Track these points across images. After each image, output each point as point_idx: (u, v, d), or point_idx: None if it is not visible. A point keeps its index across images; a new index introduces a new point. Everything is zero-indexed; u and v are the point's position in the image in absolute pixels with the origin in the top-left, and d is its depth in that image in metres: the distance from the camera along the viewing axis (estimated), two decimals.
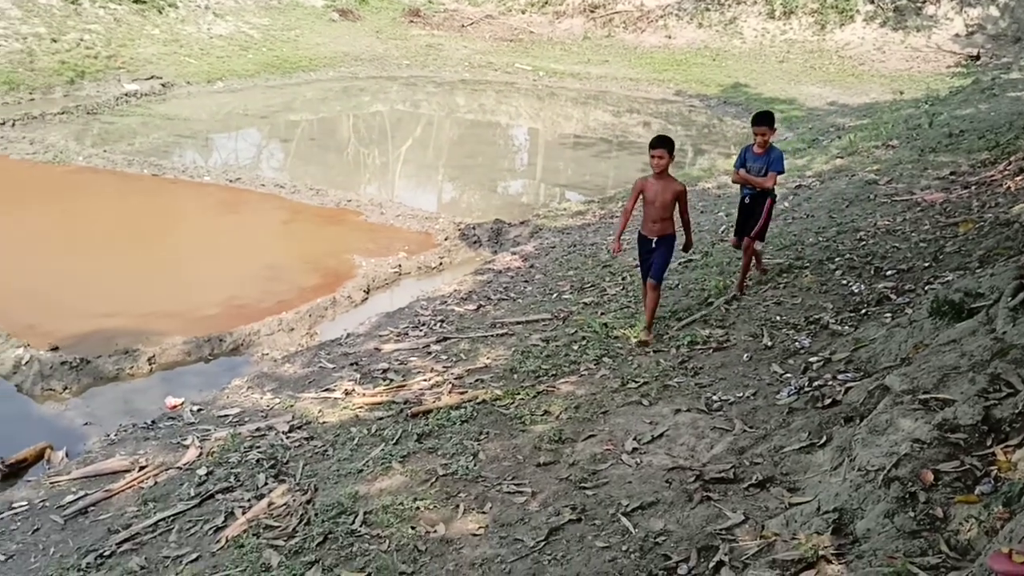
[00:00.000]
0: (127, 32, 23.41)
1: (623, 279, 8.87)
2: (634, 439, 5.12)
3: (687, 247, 7.09)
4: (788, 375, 5.69)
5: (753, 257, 7.75)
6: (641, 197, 6.78)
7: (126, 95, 20.09)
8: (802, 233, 9.23)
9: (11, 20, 21.09)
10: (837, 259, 8.05)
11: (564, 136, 20.82)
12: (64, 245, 10.84)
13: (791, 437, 4.66)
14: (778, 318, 6.81)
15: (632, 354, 6.65)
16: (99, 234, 11.38)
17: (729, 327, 6.81)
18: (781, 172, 7.38)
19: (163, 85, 21.24)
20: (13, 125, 16.66)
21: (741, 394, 5.54)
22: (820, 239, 8.87)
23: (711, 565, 3.65)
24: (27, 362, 7.56)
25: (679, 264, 8.96)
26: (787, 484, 4.21)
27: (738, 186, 7.75)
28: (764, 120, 7.23)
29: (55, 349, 7.83)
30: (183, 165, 15.01)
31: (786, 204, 11.07)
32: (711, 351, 6.38)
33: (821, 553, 3.33)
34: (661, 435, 5.13)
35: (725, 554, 3.68)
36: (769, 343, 6.31)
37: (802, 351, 6.05)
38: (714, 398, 5.54)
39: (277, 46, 26.10)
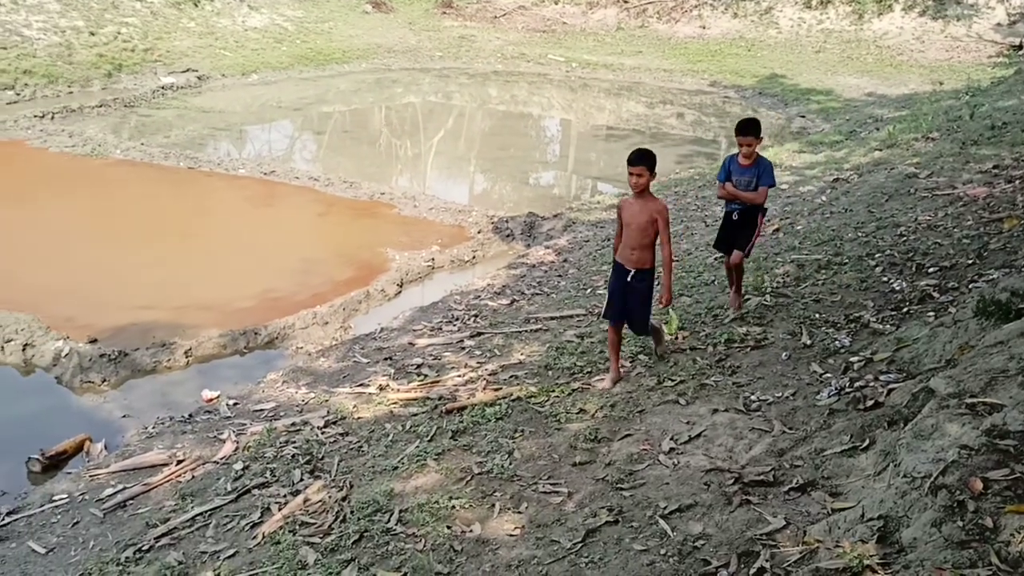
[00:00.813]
0: (163, 25, 23.64)
1: (656, 274, 8.77)
2: (671, 439, 5.06)
3: (665, 300, 5.89)
4: (828, 375, 5.59)
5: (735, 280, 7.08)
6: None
7: (163, 88, 20.30)
8: (841, 228, 9.09)
9: (50, 14, 21.37)
10: (877, 255, 7.91)
11: (597, 128, 20.72)
12: (102, 238, 10.97)
13: (832, 440, 4.58)
14: (817, 316, 6.70)
15: (668, 351, 6.57)
16: (136, 227, 11.49)
17: (767, 325, 6.71)
18: (772, 185, 6.59)
19: (199, 78, 21.44)
20: (52, 118, 16.90)
21: (780, 394, 5.45)
22: (859, 234, 8.72)
23: (752, 571, 3.58)
24: (67, 354, 7.65)
25: (715, 259, 8.86)
26: (829, 488, 4.13)
27: (723, 201, 6.97)
28: (749, 129, 6.42)
29: (94, 342, 7.91)
30: (218, 158, 15.15)
31: (823, 198, 10.92)
32: (749, 349, 6.29)
33: (867, 563, 3.25)
34: (698, 435, 5.06)
35: (766, 560, 3.61)
36: (808, 342, 6.21)
37: (842, 350, 5.94)
38: (752, 398, 5.45)
39: (311, 38, 26.23)
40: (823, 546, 3.55)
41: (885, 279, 7.26)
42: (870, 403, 4.87)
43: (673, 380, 5.93)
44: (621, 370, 6.17)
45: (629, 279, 5.83)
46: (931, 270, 7.26)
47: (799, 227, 9.54)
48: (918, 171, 11.09)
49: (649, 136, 18.93)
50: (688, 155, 16.99)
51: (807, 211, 10.28)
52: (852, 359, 5.68)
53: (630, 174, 5.71)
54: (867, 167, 12.30)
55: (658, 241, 5.82)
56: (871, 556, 3.31)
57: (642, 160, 5.65)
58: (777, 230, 9.62)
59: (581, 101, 23.38)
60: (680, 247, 9.82)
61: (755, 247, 6.97)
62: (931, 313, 6.16)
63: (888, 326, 6.17)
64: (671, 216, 11.47)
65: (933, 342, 5.35)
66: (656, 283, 6.04)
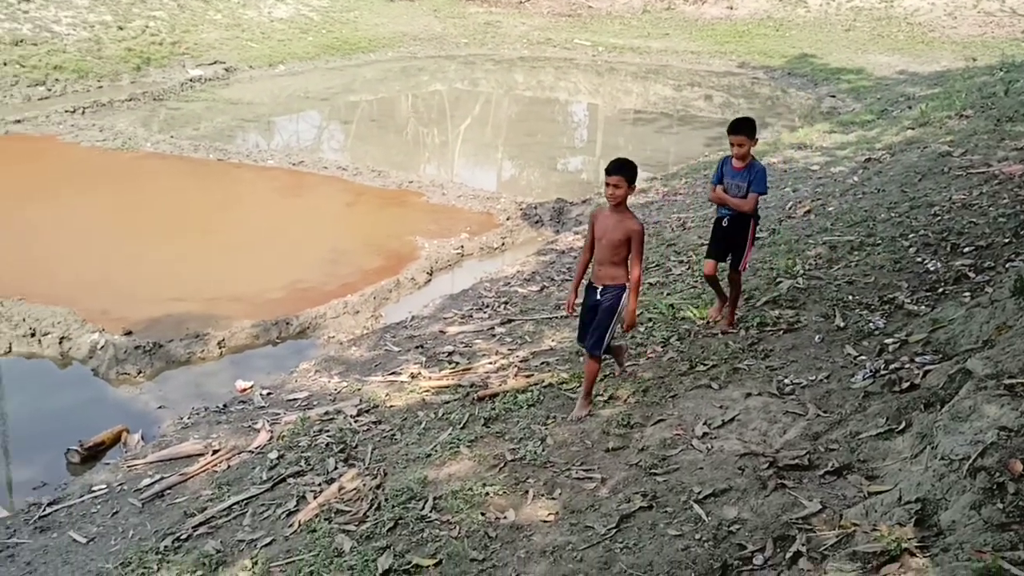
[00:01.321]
0: (190, 18, 23.78)
1: (688, 258, 8.74)
2: (704, 424, 5.03)
3: (628, 324, 5.39)
4: (862, 357, 5.53)
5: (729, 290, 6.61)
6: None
7: (191, 80, 20.44)
8: (873, 209, 8.97)
9: (79, 9, 21.57)
10: (911, 235, 7.79)
11: (624, 111, 20.60)
12: (134, 231, 11.08)
13: (868, 422, 4.53)
14: (850, 298, 6.62)
15: (700, 335, 6.53)
16: (167, 220, 11.60)
17: (800, 307, 6.64)
18: (763, 193, 6.19)
19: (226, 70, 21.57)
20: (83, 113, 17.07)
21: (814, 377, 5.40)
22: (892, 215, 8.60)
23: (788, 556, 3.57)
24: (102, 347, 7.75)
25: None
26: (865, 472, 4.09)
27: (714, 205, 6.54)
28: (742, 128, 6.01)
29: (128, 334, 8.01)
30: (247, 149, 15.23)
31: (855, 178, 10.78)
32: (781, 333, 6.23)
33: (904, 546, 3.22)
34: (732, 420, 5.03)
35: (802, 544, 3.59)
36: (842, 324, 6.14)
37: (877, 332, 5.86)
38: (786, 381, 5.40)
39: (337, 28, 26.27)
40: (860, 529, 3.52)
41: (919, 260, 7.16)
42: (906, 385, 4.82)
43: (705, 364, 5.90)
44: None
45: (598, 296, 5.38)
46: (966, 250, 7.15)
47: (831, 208, 9.43)
48: (952, 149, 10.91)
49: (677, 119, 18.80)
50: (717, 138, 16.85)
51: (839, 192, 10.16)
52: (887, 341, 5.61)
53: (606, 184, 5.22)
54: (899, 146, 12.12)
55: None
56: (909, 539, 3.28)
57: (621, 170, 5.17)
58: (809, 211, 9.52)
59: (608, 85, 23.25)
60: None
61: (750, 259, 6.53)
62: (967, 293, 6.07)
63: (923, 307, 6.08)
64: (694, 201, 11.46)
65: (969, 323, 5.27)
66: (623, 301, 5.39)
